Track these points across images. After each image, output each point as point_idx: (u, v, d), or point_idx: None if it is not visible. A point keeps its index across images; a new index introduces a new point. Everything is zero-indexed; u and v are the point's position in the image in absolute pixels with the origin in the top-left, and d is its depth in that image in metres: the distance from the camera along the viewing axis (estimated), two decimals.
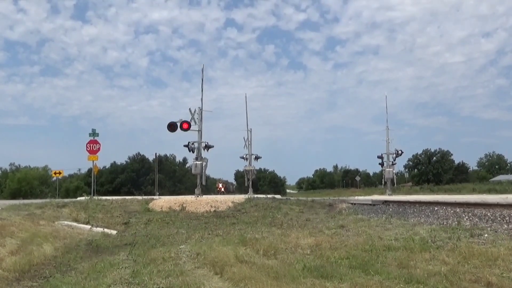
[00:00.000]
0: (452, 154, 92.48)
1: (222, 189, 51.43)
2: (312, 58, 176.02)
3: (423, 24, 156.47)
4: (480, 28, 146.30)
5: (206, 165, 20.01)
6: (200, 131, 20.21)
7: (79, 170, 71.35)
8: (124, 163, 73.24)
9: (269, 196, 20.51)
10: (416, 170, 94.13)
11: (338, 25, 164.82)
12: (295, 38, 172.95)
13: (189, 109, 20.33)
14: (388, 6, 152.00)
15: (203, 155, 20.12)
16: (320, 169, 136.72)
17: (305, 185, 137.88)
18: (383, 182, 32.36)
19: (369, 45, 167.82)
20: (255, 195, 21.46)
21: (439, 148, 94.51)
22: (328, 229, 10.62)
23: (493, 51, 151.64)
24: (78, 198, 20.53)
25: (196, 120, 20.21)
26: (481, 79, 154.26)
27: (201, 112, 20.33)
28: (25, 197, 39.89)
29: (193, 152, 20.21)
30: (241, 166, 28.74)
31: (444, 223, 10.42)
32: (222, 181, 59.56)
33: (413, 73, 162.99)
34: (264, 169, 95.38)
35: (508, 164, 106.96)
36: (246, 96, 28.69)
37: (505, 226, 9.17)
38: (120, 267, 7.00)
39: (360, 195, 28.13)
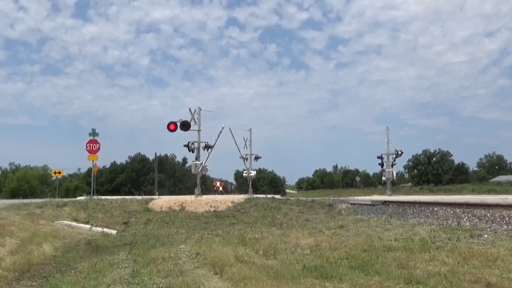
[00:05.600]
0: (452, 155, 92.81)
1: (220, 188, 51.08)
2: (314, 57, 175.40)
3: (426, 24, 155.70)
4: (484, 27, 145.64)
5: (206, 169, 20.27)
6: (200, 131, 20.30)
7: (79, 169, 71.38)
8: (124, 162, 73.37)
9: (268, 196, 20.53)
10: (416, 170, 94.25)
11: (340, 24, 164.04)
12: (297, 37, 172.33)
13: (189, 109, 20.47)
14: (391, 5, 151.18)
15: (202, 155, 20.21)
16: (320, 169, 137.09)
17: (304, 185, 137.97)
18: (382, 183, 32.41)
19: (371, 44, 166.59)
20: (255, 195, 21.48)
21: (439, 149, 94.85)
22: (328, 229, 10.62)
23: (496, 51, 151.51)
24: (78, 198, 20.53)
25: (196, 120, 20.27)
26: (483, 79, 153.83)
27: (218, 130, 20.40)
28: (24, 197, 39.76)
29: (193, 152, 20.29)
30: (241, 166, 28.79)
31: (444, 223, 10.42)
32: (220, 180, 59.17)
33: (415, 72, 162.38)
34: (264, 169, 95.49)
35: (508, 165, 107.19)
36: (231, 130, 25.77)
37: (505, 226, 9.16)
38: (120, 266, 7.00)
39: (360, 195, 28.09)
